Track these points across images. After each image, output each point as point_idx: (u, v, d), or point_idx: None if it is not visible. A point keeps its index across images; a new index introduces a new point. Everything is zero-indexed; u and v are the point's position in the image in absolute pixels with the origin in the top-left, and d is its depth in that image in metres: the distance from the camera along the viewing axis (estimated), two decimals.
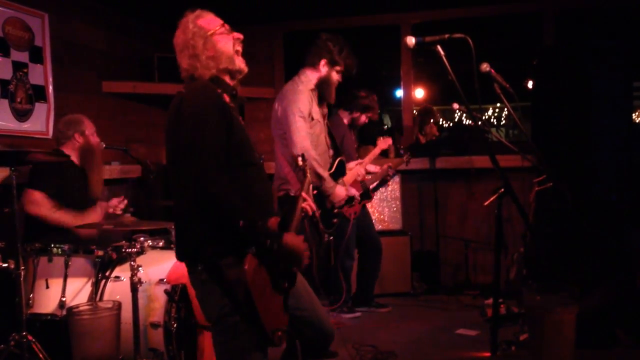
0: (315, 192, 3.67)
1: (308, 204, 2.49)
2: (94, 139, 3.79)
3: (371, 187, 4.76)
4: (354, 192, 4.26)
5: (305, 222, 3.46)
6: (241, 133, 2.17)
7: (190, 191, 2.03)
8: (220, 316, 2.09)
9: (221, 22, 2.29)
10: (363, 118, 4.87)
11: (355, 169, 4.20)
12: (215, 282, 2.06)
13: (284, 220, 2.20)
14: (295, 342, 2.46)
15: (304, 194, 2.50)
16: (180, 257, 2.21)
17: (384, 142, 4.69)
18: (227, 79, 2.27)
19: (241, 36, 2.31)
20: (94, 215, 3.60)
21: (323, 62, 3.75)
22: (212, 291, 2.08)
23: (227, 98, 2.17)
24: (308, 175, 2.66)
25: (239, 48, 2.30)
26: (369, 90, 4.85)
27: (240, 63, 2.28)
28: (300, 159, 2.69)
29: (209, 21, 2.27)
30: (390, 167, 4.76)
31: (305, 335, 2.45)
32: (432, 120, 6.30)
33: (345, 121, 4.85)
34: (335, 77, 3.80)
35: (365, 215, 4.78)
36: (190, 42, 2.23)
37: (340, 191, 3.76)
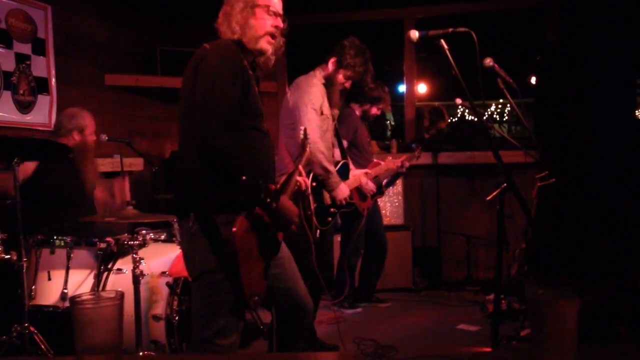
0: (314, 184, 3.62)
1: (303, 178, 2.51)
2: (91, 138, 3.77)
3: (384, 182, 4.75)
4: (372, 186, 4.24)
5: (302, 217, 3.44)
6: (254, 100, 2.21)
7: (195, 144, 2.07)
8: (204, 272, 2.12)
9: (272, 2, 2.28)
10: (374, 110, 4.81)
11: (359, 176, 4.15)
12: (206, 236, 2.10)
13: (280, 190, 2.28)
14: (282, 330, 2.50)
15: (300, 166, 2.51)
16: (175, 207, 2.24)
17: (392, 163, 4.63)
18: (250, 46, 2.27)
19: (281, 25, 2.30)
20: None
21: (332, 59, 3.67)
22: (200, 245, 2.11)
23: (246, 62, 2.19)
24: (307, 149, 2.67)
25: (275, 32, 2.28)
26: (379, 82, 4.81)
27: (264, 44, 2.26)
28: (302, 133, 2.69)
29: None
30: (404, 161, 4.71)
31: (281, 307, 2.49)
32: (443, 120, 6.32)
33: (357, 113, 4.81)
34: (341, 80, 3.69)
35: (375, 212, 4.76)
36: (228, 10, 2.25)
37: (344, 189, 3.71)
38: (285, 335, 2.59)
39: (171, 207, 2.29)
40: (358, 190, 4.19)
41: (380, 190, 4.67)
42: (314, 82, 3.60)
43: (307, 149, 2.68)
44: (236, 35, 2.23)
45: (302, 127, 2.76)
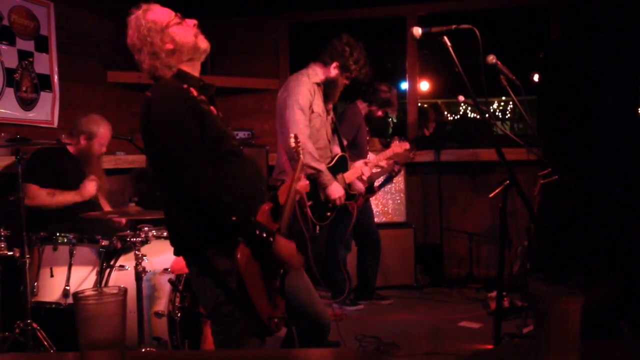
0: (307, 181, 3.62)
1: (303, 183, 2.47)
2: (99, 149, 3.76)
3: (377, 183, 4.74)
4: (361, 186, 4.23)
5: (298, 213, 3.43)
6: (215, 125, 2.10)
7: (173, 189, 2.03)
8: (216, 306, 2.09)
9: (172, 12, 2.18)
10: (380, 112, 4.82)
11: (359, 166, 4.14)
12: (206, 274, 2.07)
13: (276, 208, 2.20)
14: (292, 329, 2.47)
15: (297, 173, 2.46)
16: (176, 252, 2.21)
17: (400, 146, 4.57)
18: (191, 70, 2.17)
19: (196, 21, 2.20)
20: (89, 188, 3.62)
21: (335, 64, 3.68)
22: (205, 282, 2.09)
23: (194, 91, 2.09)
24: (301, 156, 2.62)
25: (197, 29, 2.19)
26: (390, 85, 4.79)
27: (202, 43, 2.17)
28: (293, 140, 2.64)
29: (160, 13, 2.15)
30: (397, 163, 4.71)
31: (299, 325, 2.45)
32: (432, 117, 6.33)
33: (363, 110, 4.81)
34: (343, 81, 3.72)
35: (365, 208, 4.75)
36: (147, 40, 2.10)
37: (336, 188, 3.69)
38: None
39: (174, 250, 2.24)
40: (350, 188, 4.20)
41: (371, 190, 4.67)
42: (302, 80, 3.61)
43: (302, 157, 2.62)
44: (175, 67, 2.13)
45: (293, 134, 2.70)
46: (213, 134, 2.07)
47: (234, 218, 1.95)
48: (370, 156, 4.83)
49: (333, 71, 3.68)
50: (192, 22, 2.19)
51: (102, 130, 3.75)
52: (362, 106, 4.78)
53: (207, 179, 1.97)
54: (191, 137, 1.99)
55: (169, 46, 2.11)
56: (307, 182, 2.52)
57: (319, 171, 3.59)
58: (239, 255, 1.97)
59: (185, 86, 2.08)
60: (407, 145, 4.49)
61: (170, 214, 2.14)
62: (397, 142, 4.54)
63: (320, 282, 3.44)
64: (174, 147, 1.96)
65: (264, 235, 1.99)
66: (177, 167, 1.96)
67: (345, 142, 4.30)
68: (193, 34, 2.16)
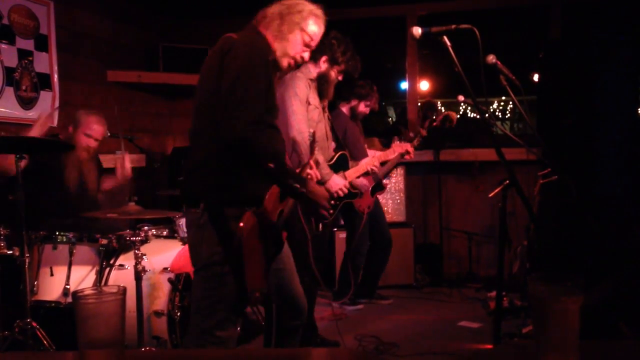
0: None
1: (314, 171, 2.58)
2: (82, 139, 3.66)
3: (384, 180, 4.75)
4: (365, 183, 4.22)
5: (299, 211, 3.44)
6: (274, 96, 2.26)
7: (228, 133, 2.07)
8: (210, 263, 2.14)
9: (317, 33, 2.41)
10: (362, 107, 4.81)
11: (365, 163, 4.12)
12: (214, 228, 2.12)
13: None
14: (278, 326, 2.53)
15: (311, 161, 2.57)
16: (184, 196, 2.27)
17: (401, 147, 4.54)
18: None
19: (307, 58, 2.43)
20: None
21: (324, 58, 3.73)
22: (208, 236, 2.13)
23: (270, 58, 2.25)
24: (316, 150, 2.72)
25: (299, 60, 2.38)
26: (368, 80, 4.81)
27: (285, 62, 2.33)
28: (309, 135, 2.74)
29: (313, 23, 2.38)
30: (403, 154, 4.66)
31: (276, 303, 2.53)
32: (436, 113, 6.30)
33: (345, 111, 4.82)
34: (334, 75, 3.76)
35: (377, 210, 4.78)
36: (284, 12, 2.31)
37: (337, 180, 3.71)
38: (280, 331, 2.61)
39: (180, 195, 2.29)
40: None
41: (380, 186, 4.67)
42: (297, 76, 3.65)
43: (316, 150, 2.71)
44: (273, 36, 2.29)
45: (312, 131, 2.79)
46: (270, 100, 2.22)
47: (271, 165, 2.08)
48: (372, 154, 4.82)
49: (322, 65, 3.72)
50: (305, 56, 2.40)
51: (86, 119, 3.66)
52: (344, 106, 4.82)
53: (264, 126, 2.10)
54: (263, 87, 2.12)
55: (282, 28, 2.29)
56: (318, 174, 2.60)
57: (317, 163, 3.60)
58: (242, 224, 2.04)
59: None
60: (409, 146, 4.48)
61: (198, 160, 2.19)
62: (399, 142, 4.54)
63: (320, 283, 3.44)
64: (247, 88, 2.06)
65: (297, 186, 2.14)
66: (242, 105, 2.05)
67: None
68: (293, 53, 2.34)
